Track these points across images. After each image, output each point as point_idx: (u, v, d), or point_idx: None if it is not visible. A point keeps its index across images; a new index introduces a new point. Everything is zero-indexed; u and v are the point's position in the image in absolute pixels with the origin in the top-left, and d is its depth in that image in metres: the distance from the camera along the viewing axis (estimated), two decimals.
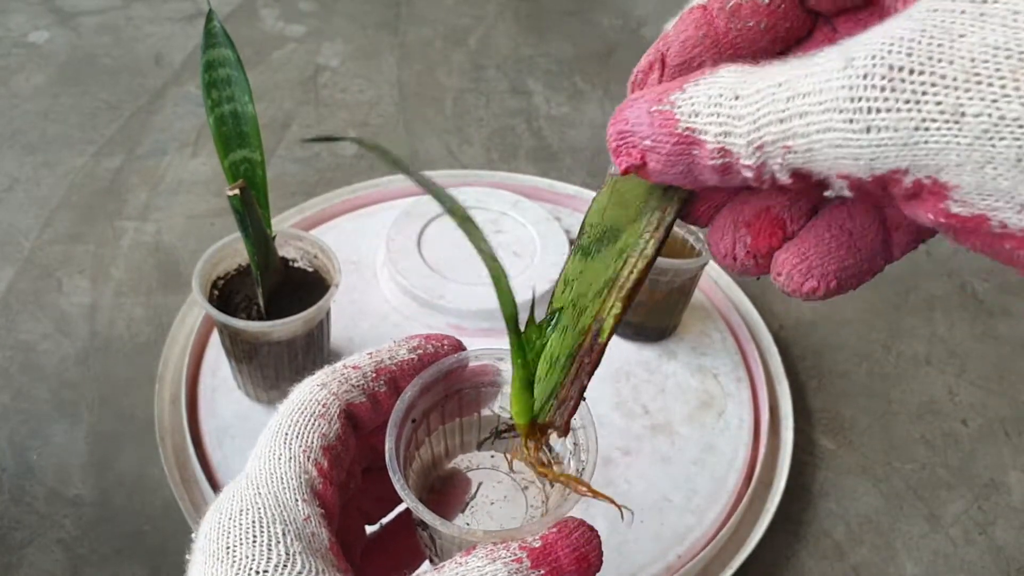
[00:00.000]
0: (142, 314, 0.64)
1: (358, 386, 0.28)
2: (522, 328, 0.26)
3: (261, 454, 0.25)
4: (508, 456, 0.31)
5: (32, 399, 0.57)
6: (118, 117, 0.83)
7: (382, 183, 0.73)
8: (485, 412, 0.32)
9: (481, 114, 0.88)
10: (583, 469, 0.27)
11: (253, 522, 0.23)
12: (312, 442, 0.26)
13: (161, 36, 0.96)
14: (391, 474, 0.26)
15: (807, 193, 0.21)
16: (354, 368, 0.28)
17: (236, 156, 0.47)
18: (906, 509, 0.56)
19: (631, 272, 0.24)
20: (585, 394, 0.26)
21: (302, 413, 0.26)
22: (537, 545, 0.24)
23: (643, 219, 0.24)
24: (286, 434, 0.26)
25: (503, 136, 0.86)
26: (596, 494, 0.26)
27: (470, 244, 0.22)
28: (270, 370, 0.52)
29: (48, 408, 0.57)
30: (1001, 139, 0.15)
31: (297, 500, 0.24)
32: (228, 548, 0.23)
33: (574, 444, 0.29)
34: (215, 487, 0.51)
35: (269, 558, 0.22)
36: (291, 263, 0.54)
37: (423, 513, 0.25)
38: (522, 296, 0.61)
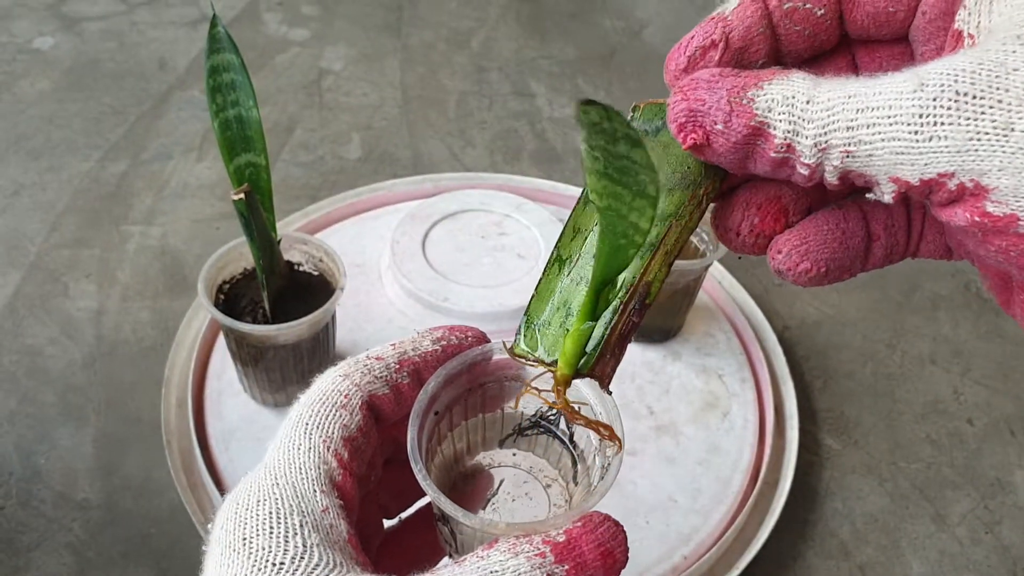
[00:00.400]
0: (148, 318, 0.64)
1: (381, 377, 0.27)
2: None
3: (281, 444, 0.25)
4: (542, 408, 0.31)
5: (39, 403, 0.58)
6: (123, 122, 0.84)
7: (386, 186, 0.74)
8: (508, 408, 0.32)
9: (484, 116, 0.89)
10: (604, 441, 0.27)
11: (270, 513, 0.23)
12: (333, 432, 0.25)
13: (165, 41, 0.96)
14: (412, 464, 0.25)
15: (807, 189, 0.24)
16: (377, 359, 0.28)
17: (241, 160, 0.47)
18: (912, 509, 0.56)
19: (676, 240, 0.26)
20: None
21: (323, 403, 0.26)
22: (561, 540, 0.23)
23: (687, 191, 0.26)
24: (306, 424, 0.25)
25: (506, 138, 0.86)
26: (619, 442, 0.26)
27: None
28: (276, 373, 0.52)
29: (55, 412, 0.57)
30: None
31: (315, 491, 0.24)
32: (245, 539, 0.22)
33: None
34: (221, 490, 0.51)
35: (286, 550, 0.22)
36: (296, 267, 0.54)
37: (444, 504, 0.25)
38: (524, 297, 0.61)
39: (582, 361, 0.26)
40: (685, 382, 0.60)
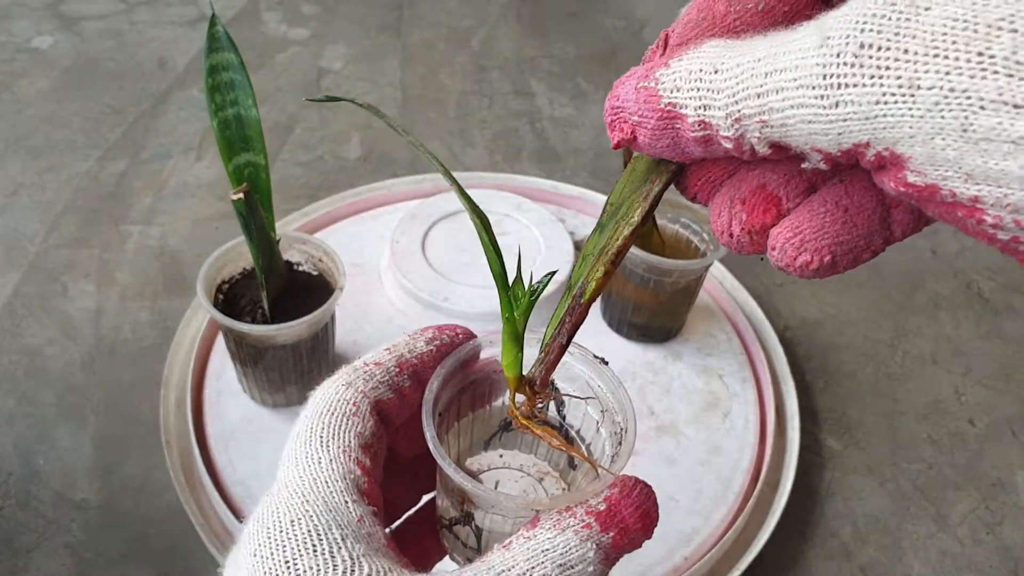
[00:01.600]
0: (147, 318, 0.64)
1: (384, 382, 0.27)
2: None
3: (297, 460, 0.24)
4: (508, 418, 0.31)
5: (38, 403, 0.58)
6: (122, 121, 0.83)
7: (386, 186, 0.73)
8: (496, 404, 0.32)
9: (484, 116, 0.88)
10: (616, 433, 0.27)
11: (308, 531, 0.22)
12: (350, 441, 0.25)
13: (164, 40, 0.96)
14: (440, 460, 0.25)
15: (797, 168, 0.22)
16: (376, 364, 0.27)
17: (240, 160, 0.47)
18: (913, 509, 0.56)
19: (616, 238, 0.25)
20: (607, 360, 0.28)
21: (333, 414, 0.25)
22: (602, 508, 0.23)
23: (639, 191, 0.25)
24: (320, 437, 0.25)
25: (506, 138, 0.86)
26: (576, 452, 0.26)
27: (461, 203, 0.23)
28: (275, 373, 0.52)
29: (54, 412, 0.57)
30: (949, 111, 0.16)
31: (347, 502, 0.23)
32: (287, 562, 0.22)
33: (601, 411, 0.29)
34: (221, 490, 0.51)
35: (335, 566, 0.21)
36: (295, 266, 0.54)
37: (483, 492, 0.25)
38: None
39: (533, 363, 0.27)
40: (686, 382, 0.60)
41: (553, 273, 0.29)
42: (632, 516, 0.24)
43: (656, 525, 0.25)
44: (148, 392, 0.58)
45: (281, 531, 0.22)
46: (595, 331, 0.62)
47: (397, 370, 0.27)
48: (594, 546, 0.23)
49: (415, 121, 0.87)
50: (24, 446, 0.55)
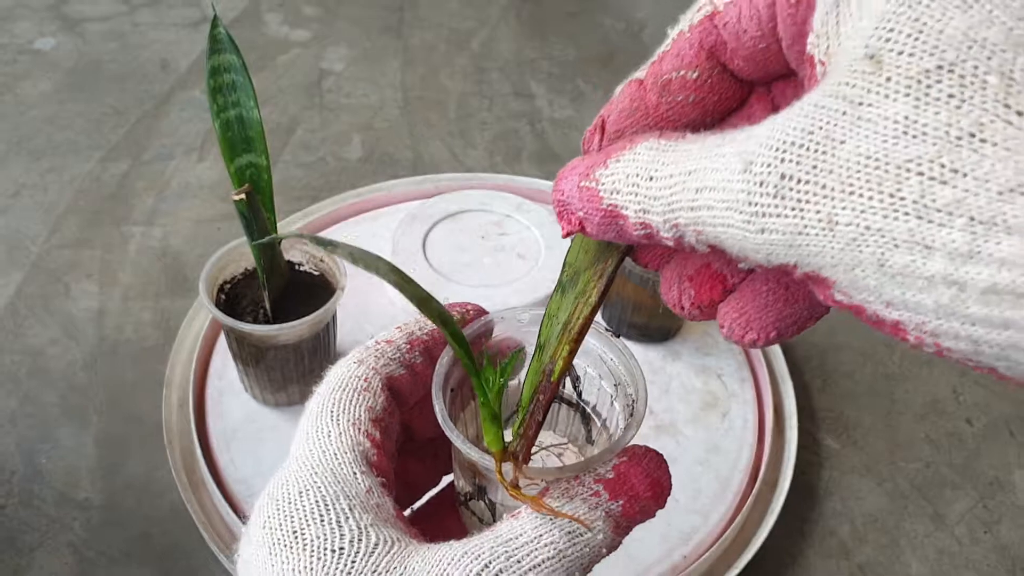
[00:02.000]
0: (149, 318, 0.64)
1: (395, 359, 0.27)
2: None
3: (308, 435, 0.25)
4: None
5: (40, 403, 0.58)
6: (124, 123, 0.84)
7: (387, 187, 0.74)
8: (511, 382, 0.31)
9: (484, 117, 0.89)
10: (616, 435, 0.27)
11: (316, 502, 0.22)
12: (360, 415, 0.25)
13: (166, 42, 0.96)
14: (447, 432, 0.25)
15: None
16: (387, 343, 0.27)
17: (242, 161, 0.47)
18: (911, 508, 0.56)
19: (578, 318, 0.26)
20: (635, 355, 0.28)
21: (344, 390, 0.26)
22: (611, 476, 0.23)
23: (593, 268, 0.27)
24: (331, 411, 0.25)
25: (506, 139, 0.86)
26: (556, 513, 0.24)
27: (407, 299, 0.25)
28: (277, 373, 0.52)
29: (56, 412, 0.57)
30: (867, 246, 0.16)
31: (355, 473, 0.23)
32: (295, 532, 0.22)
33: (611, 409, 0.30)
34: (223, 489, 0.51)
35: (342, 534, 0.22)
36: (297, 267, 0.54)
37: (490, 463, 0.25)
38: (525, 297, 0.61)
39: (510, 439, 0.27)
40: (685, 382, 0.60)
41: (521, 350, 0.29)
42: (642, 484, 0.23)
43: (668, 493, 0.24)
44: (150, 392, 0.58)
45: (289, 502, 0.23)
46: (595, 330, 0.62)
47: (408, 347, 0.28)
48: (603, 514, 0.23)
49: (416, 122, 0.87)
50: (27, 446, 0.55)
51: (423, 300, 0.25)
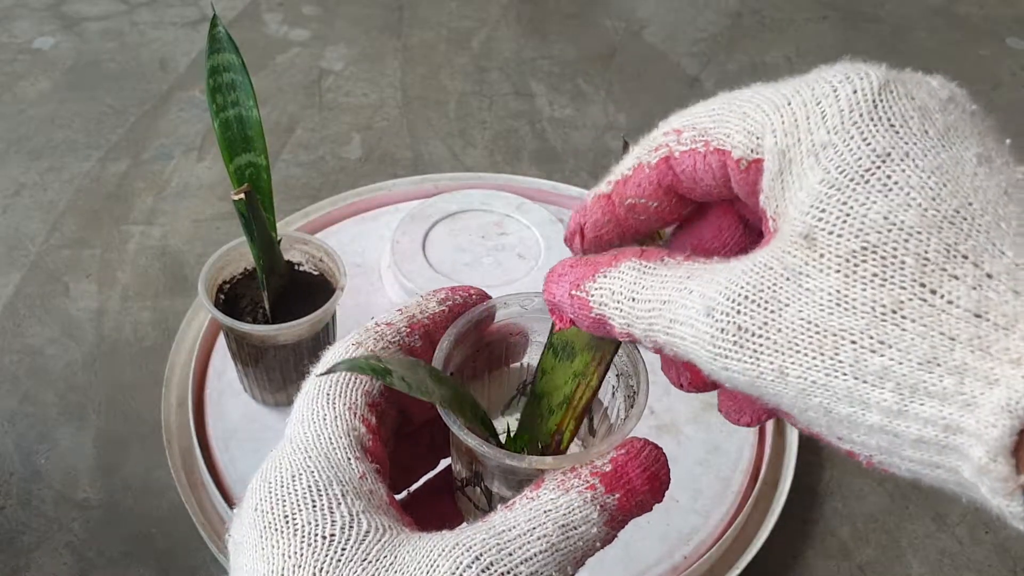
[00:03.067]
0: (149, 318, 0.64)
1: (394, 342, 0.27)
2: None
3: (303, 417, 0.24)
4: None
5: (39, 403, 0.58)
6: (123, 122, 0.84)
7: (387, 186, 0.74)
8: (514, 365, 0.32)
9: (484, 116, 0.89)
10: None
11: (309, 487, 0.22)
12: (356, 399, 0.25)
13: (166, 41, 0.96)
14: (444, 416, 0.25)
15: None
16: (387, 325, 0.27)
17: (241, 160, 0.47)
18: (912, 508, 0.56)
19: (581, 398, 0.29)
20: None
21: (340, 375, 0.25)
22: (608, 469, 0.23)
23: (590, 352, 0.29)
24: (328, 394, 0.25)
25: (506, 138, 0.86)
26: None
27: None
28: (276, 373, 0.52)
29: (55, 412, 0.57)
30: (814, 397, 0.19)
31: (350, 458, 0.23)
32: (287, 517, 0.22)
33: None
34: (222, 489, 0.51)
35: (333, 521, 0.22)
36: (296, 267, 0.54)
37: (486, 450, 0.25)
38: None
39: None
40: None
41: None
42: (639, 478, 0.23)
43: (666, 488, 0.24)
44: (149, 392, 0.58)
45: (282, 486, 0.23)
46: None
47: (408, 330, 0.27)
48: (598, 507, 0.23)
49: (416, 121, 0.87)
50: (26, 446, 0.55)
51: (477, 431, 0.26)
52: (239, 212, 0.44)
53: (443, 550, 0.21)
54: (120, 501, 0.53)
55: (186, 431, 0.54)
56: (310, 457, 0.23)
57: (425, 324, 0.28)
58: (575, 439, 0.31)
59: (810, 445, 0.60)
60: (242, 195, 0.43)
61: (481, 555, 0.21)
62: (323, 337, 0.53)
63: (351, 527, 0.22)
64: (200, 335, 0.59)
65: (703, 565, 0.49)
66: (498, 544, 0.22)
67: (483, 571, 0.21)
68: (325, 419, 0.24)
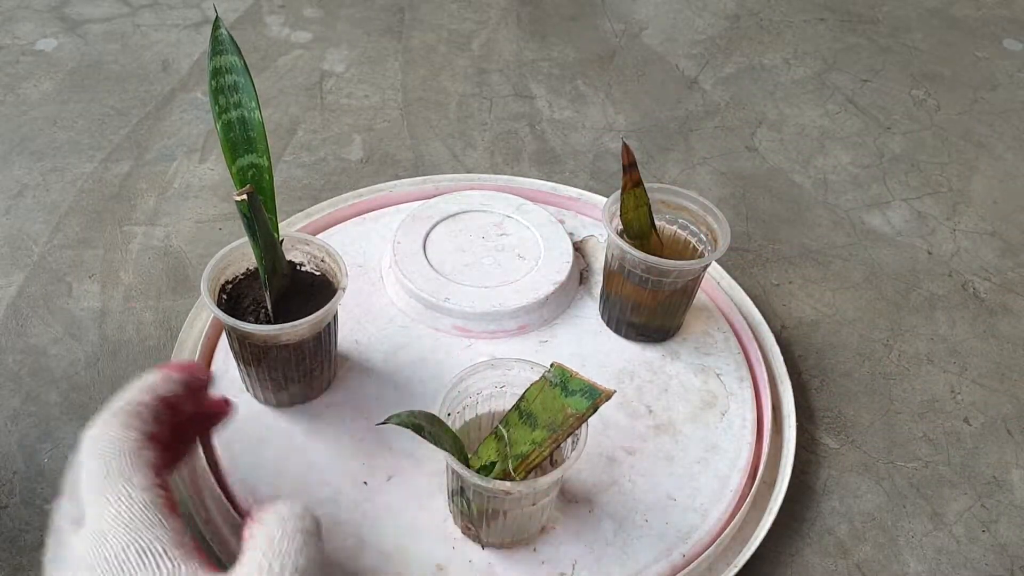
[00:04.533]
0: (151, 318, 0.64)
1: (148, 420, 0.35)
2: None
3: (108, 501, 0.30)
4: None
5: (42, 403, 0.58)
6: (126, 123, 0.84)
7: (388, 187, 0.74)
8: (495, 411, 0.47)
9: (484, 118, 0.89)
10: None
11: (139, 550, 0.29)
12: (147, 473, 0.32)
13: (168, 43, 0.97)
14: (446, 456, 0.38)
15: None
16: (140, 405, 0.35)
17: (243, 161, 0.48)
18: (909, 507, 0.57)
19: (535, 459, 0.42)
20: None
21: (123, 454, 0.32)
22: None
23: (547, 431, 0.41)
24: (122, 474, 0.31)
25: (506, 140, 0.86)
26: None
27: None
28: (278, 373, 0.53)
29: (58, 411, 0.58)
30: None
31: (161, 520, 0.30)
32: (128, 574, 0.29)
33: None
34: (224, 489, 0.51)
35: (162, 571, 0.28)
36: (298, 267, 0.55)
37: (466, 473, 0.36)
38: (525, 298, 0.62)
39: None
40: (683, 381, 0.60)
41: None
42: None
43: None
44: None
45: (115, 555, 0.28)
46: (593, 331, 0.63)
47: (158, 405, 0.36)
48: None
49: (416, 123, 0.88)
50: (28, 445, 0.56)
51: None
52: (241, 213, 0.44)
53: None
54: None
55: None
56: (130, 528, 0.29)
57: (167, 400, 0.37)
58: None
59: (808, 444, 0.60)
60: (244, 196, 0.43)
61: None
62: (325, 337, 0.53)
63: (177, 572, 0.28)
64: (202, 335, 0.59)
65: (701, 564, 0.50)
66: None
67: None
68: (132, 497, 0.30)
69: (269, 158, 0.48)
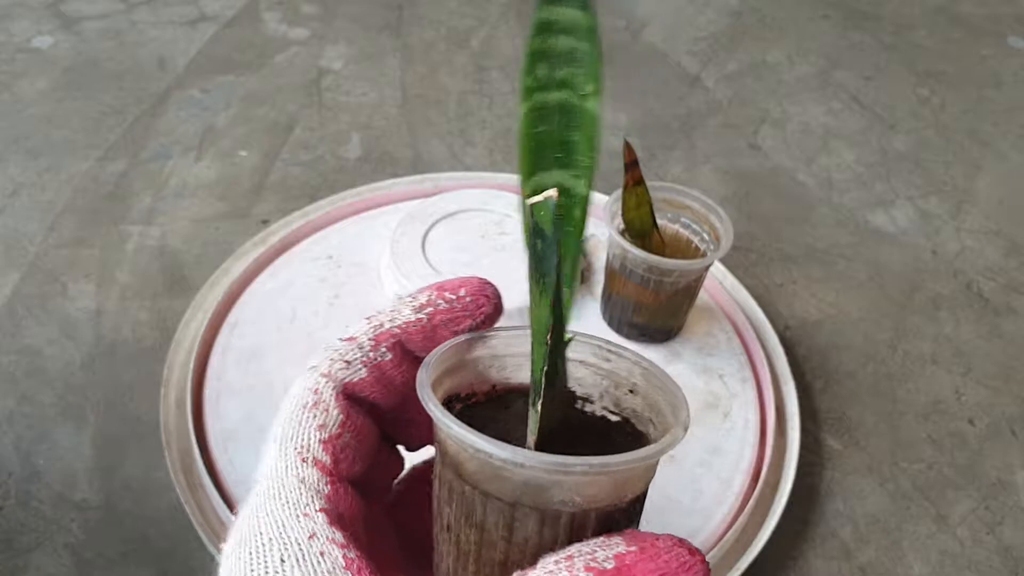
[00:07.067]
0: (147, 318, 0.64)
1: (355, 360, 0.23)
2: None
3: (266, 470, 0.22)
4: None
5: (38, 403, 0.58)
6: (122, 121, 0.83)
7: (386, 186, 0.73)
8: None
9: (484, 116, 0.88)
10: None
11: (251, 553, 0.20)
12: (309, 440, 0.22)
13: (164, 40, 0.96)
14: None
15: None
16: (348, 340, 0.24)
17: (547, 179, 0.25)
18: (913, 509, 0.56)
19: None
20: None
21: (294, 409, 0.22)
22: (609, 567, 0.18)
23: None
24: (279, 440, 0.22)
25: (506, 138, 0.86)
26: None
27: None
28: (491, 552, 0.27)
29: (54, 412, 0.57)
30: None
31: (298, 516, 0.20)
32: None
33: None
34: (221, 490, 0.51)
35: None
36: (581, 401, 0.28)
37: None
38: (525, 298, 0.61)
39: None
40: (686, 382, 0.60)
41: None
42: None
43: None
44: (148, 392, 0.58)
45: (232, 552, 0.21)
46: (595, 331, 0.62)
47: (373, 343, 0.24)
48: None
49: (415, 121, 0.87)
50: (24, 446, 0.55)
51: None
52: (535, 233, 0.21)
53: None
54: (119, 502, 0.53)
55: (185, 432, 0.54)
56: (259, 519, 0.21)
57: (395, 334, 0.24)
58: None
59: (811, 446, 0.59)
60: (550, 197, 0.21)
61: None
62: (632, 509, 0.27)
63: None
64: (199, 335, 0.59)
65: None
66: None
67: None
68: (276, 472, 0.22)
69: (590, 182, 0.25)
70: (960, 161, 0.88)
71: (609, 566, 0.18)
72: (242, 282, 0.64)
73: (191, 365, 0.57)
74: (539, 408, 0.22)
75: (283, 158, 0.81)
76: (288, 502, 0.21)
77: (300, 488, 0.21)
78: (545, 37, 0.26)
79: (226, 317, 0.61)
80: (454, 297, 0.25)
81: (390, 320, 0.24)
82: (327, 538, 0.20)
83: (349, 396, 0.23)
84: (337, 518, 0.21)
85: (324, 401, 0.22)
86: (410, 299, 0.25)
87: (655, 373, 0.25)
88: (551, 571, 0.19)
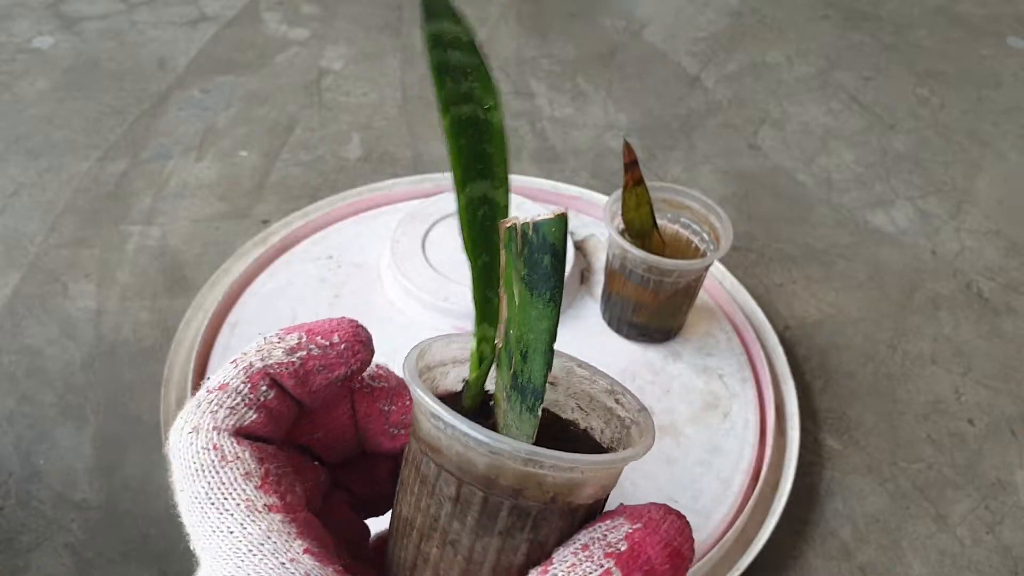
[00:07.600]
0: (147, 318, 0.64)
1: (237, 405, 0.22)
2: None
3: (208, 543, 0.21)
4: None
5: (38, 403, 0.58)
6: (122, 122, 0.83)
7: (386, 186, 0.74)
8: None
9: None
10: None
11: None
12: (245, 493, 0.21)
13: (164, 40, 0.96)
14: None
15: None
16: (219, 389, 0.22)
17: (474, 191, 0.26)
18: (913, 509, 0.56)
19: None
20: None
21: (205, 474, 0.21)
22: (624, 548, 0.20)
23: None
24: (211, 502, 0.21)
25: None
26: None
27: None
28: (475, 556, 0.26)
29: (54, 412, 0.57)
30: None
31: (283, 563, 0.19)
32: None
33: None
34: None
35: None
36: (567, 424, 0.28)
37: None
38: None
39: None
40: (686, 382, 0.60)
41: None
42: (659, 556, 0.20)
43: (690, 564, 0.21)
44: (148, 392, 0.58)
45: None
46: (595, 331, 0.62)
47: (249, 386, 0.22)
48: None
49: (415, 121, 0.87)
50: (24, 446, 0.55)
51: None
52: (546, 248, 0.21)
53: None
54: (119, 502, 0.53)
55: None
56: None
57: (268, 373, 0.23)
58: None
59: (811, 446, 0.60)
60: (560, 215, 0.21)
61: None
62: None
63: None
64: (199, 335, 0.59)
65: (704, 566, 0.49)
66: None
67: None
68: (232, 532, 0.20)
69: (507, 191, 0.26)
70: (960, 161, 0.88)
71: (623, 548, 0.20)
72: (242, 282, 0.64)
73: (191, 365, 0.57)
74: (538, 413, 0.22)
75: (283, 158, 0.81)
76: (266, 554, 0.19)
77: (269, 539, 0.20)
78: (441, 51, 0.26)
79: (226, 317, 0.61)
80: (327, 343, 0.24)
81: (260, 360, 0.23)
82: (314, 568, 0.19)
83: (246, 440, 0.22)
84: (323, 552, 0.20)
85: (231, 452, 0.21)
86: (277, 340, 0.23)
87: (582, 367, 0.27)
88: (572, 564, 0.20)
